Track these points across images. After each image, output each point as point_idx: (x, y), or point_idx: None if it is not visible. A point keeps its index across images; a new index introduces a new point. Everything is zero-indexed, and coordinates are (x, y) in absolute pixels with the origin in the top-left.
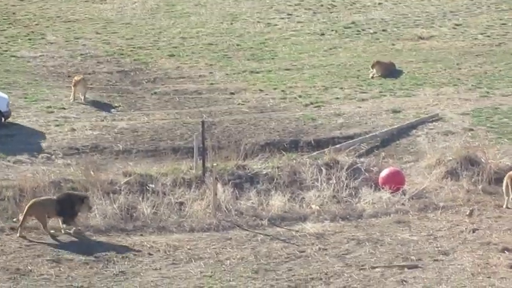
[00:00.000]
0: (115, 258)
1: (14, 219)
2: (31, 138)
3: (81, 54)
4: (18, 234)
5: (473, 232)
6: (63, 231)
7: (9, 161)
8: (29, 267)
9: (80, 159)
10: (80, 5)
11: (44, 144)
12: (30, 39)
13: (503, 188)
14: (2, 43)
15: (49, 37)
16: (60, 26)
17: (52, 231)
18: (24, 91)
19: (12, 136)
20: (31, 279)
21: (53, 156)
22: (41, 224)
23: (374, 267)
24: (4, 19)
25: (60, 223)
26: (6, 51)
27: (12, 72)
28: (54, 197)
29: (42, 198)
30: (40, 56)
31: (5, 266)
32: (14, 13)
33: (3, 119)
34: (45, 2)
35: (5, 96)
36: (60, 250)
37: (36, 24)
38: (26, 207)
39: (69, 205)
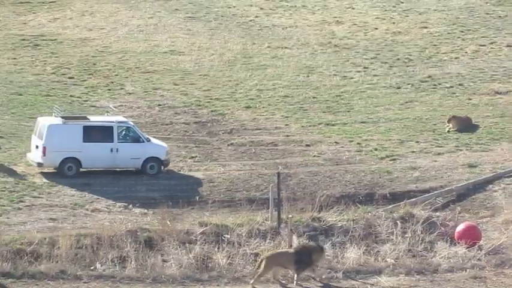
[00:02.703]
0: None
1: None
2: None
3: (159, 105)
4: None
5: None
6: (295, 283)
7: (87, 210)
8: None
9: (156, 208)
10: (159, 56)
11: (121, 194)
12: (109, 90)
13: None
14: (82, 93)
15: (128, 87)
16: (139, 77)
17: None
18: None
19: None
20: None
21: (130, 206)
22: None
23: None
24: (85, 69)
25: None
26: (86, 101)
27: None
28: (292, 250)
29: (278, 251)
30: (119, 106)
31: None
32: (94, 64)
33: (162, 167)
34: (124, 53)
35: (164, 145)
36: None
37: (116, 75)
38: (263, 258)
39: (306, 256)
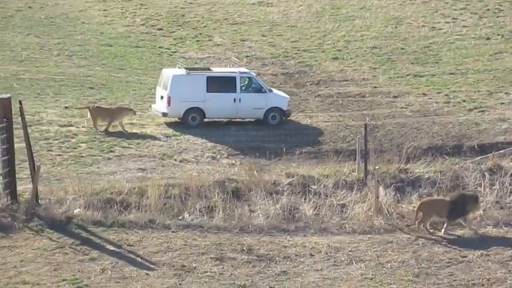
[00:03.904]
0: (277, 258)
1: None
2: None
3: (247, 56)
4: (417, 233)
5: None
6: (443, 231)
7: (175, 160)
8: (194, 264)
9: (243, 159)
10: (247, 8)
11: (209, 144)
12: (198, 41)
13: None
14: (171, 44)
15: (216, 39)
16: (227, 28)
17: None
18: None
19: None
20: (195, 276)
21: (218, 156)
22: (422, 220)
23: None
24: (173, 21)
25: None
26: (175, 52)
27: None
28: (447, 198)
29: (435, 198)
30: (207, 57)
31: (171, 262)
32: (183, 15)
33: (284, 117)
34: (213, 4)
35: (286, 95)
36: (223, 249)
37: (204, 26)
38: (420, 204)
39: (461, 205)
